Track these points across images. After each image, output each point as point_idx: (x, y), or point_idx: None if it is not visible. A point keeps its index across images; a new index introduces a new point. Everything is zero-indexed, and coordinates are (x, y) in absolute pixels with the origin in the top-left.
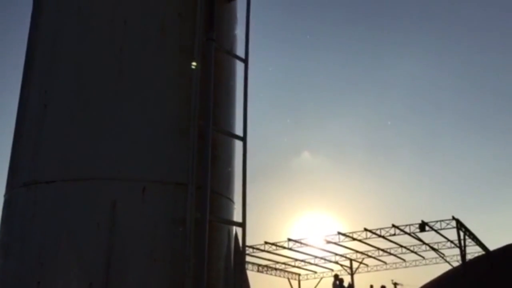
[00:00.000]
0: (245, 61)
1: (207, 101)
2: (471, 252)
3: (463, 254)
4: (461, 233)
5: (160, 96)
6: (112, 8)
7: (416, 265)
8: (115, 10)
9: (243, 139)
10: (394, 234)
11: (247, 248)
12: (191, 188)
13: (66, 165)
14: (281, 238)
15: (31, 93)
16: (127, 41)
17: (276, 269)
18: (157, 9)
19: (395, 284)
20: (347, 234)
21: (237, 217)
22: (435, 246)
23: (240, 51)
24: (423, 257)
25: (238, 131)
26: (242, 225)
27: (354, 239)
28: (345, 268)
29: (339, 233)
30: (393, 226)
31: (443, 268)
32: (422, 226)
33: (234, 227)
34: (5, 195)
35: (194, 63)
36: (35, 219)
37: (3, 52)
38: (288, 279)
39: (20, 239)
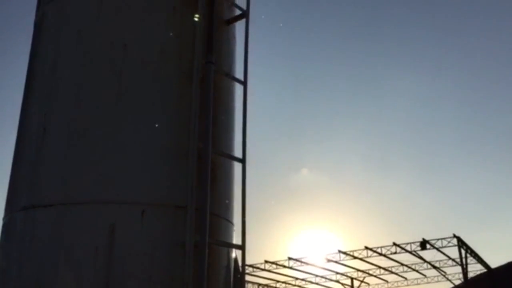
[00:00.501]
0: (244, 83)
1: (206, 123)
2: (473, 270)
3: (465, 272)
4: (463, 251)
5: (160, 119)
6: (112, 31)
7: (417, 284)
8: (115, 33)
9: (243, 161)
10: (395, 252)
11: (247, 268)
12: (190, 211)
13: (64, 189)
14: (281, 256)
15: (30, 116)
16: (126, 64)
17: None
18: (157, 32)
19: None
20: (348, 252)
21: (236, 238)
22: (437, 264)
23: (239, 71)
24: (424, 276)
25: (238, 151)
26: (242, 247)
27: (355, 257)
28: (346, 287)
29: (339, 251)
30: (394, 244)
31: (445, 286)
32: (423, 244)
33: (234, 249)
34: (3, 219)
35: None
36: (33, 243)
37: (3, 74)
38: None
39: (18, 262)
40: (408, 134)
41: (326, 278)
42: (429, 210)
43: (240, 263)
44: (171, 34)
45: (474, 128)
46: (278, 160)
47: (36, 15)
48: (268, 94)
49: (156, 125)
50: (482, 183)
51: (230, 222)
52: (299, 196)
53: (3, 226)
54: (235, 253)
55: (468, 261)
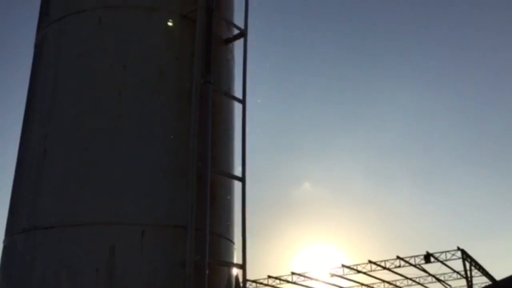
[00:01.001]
0: (243, 102)
1: (205, 143)
2: (478, 283)
3: (469, 285)
4: (467, 264)
5: (159, 139)
6: (112, 53)
7: None
8: (114, 55)
9: (242, 180)
10: (399, 266)
11: (250, 283)
12: (190, 231)
13: (64, 210)
14: (283, 271)
15: (31, 138)
16: (126, 85)
17: None
18: (156, 53)
19: None
20: (352, 266)
21: (237, 256)
22: (441, 278)
23: (238, 89)
24: None
25: (238, 169)
26: (243, 266)
27: (358, 271)
28: None
29: (343, 265)
30: (398, 257)
31: None
32: (427, 258)
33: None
34: (4, 241)
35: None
36: (34, 265)
37: (4, 95)
38: None
39: (19, 284)
40: (409, 146)
41: None
42: (432, 222)
43: (241, 282)
44: (170, 54)
45: (476, 139)
46: (279, 175)
47: (37, 37)
48: (268, 109)
49: (156, 145)
50: (485, 194)
51: (230, 240)
52: (301, 210)
53: (4, 248)
54: (236, 271)
55: (473, 273)
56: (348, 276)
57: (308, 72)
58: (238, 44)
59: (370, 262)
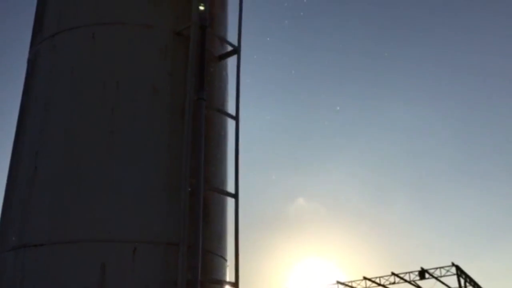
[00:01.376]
0: (236, 118)
1: (198, 159)
2: None
3: None
4: (462, 280)
5: (152, 156)
6: (105, 69)
7: None
8: (107, 71)
9: (235, 196)
10: (394, 282)
11: None
12: (183, 248)
13: (55, 228)
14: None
15: (22, 154)
16: (119, 101)
17: None
18: (149, 69)
19: None
20: (346, 283)
21: (230, 273)
22: None
23: (232, 105)
24: None
25: (231, 185)
26: (236, 284)
27: None
28: None
29: (338, 282)
30: (393, 274)
31: None
32: (422, 274)
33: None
34: None
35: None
36: (23, 283)
37: None
38: None
39: None
40: (404, 162)
41: None
42: (427, 238)
43: None
44: (163, 70)
45: (471, 154)
46: (273, 190)
47: (30, 53)
48: (262, 124)
49: (149, 162)
50: (479, 211)
51: (223, 258)
52: (295, 225)
53: None
54: None
55: None
56: None
57: (302, 87)
58: (232, 60)
59: (365, 278)
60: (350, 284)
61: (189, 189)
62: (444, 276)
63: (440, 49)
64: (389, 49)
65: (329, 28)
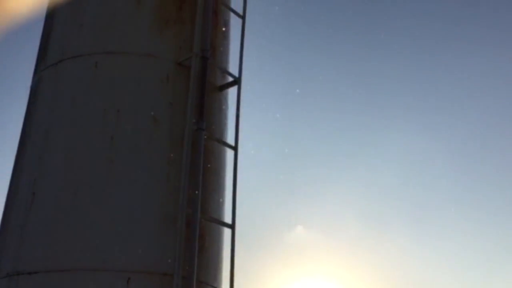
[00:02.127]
0: (235, 148)
1: (196, 189)
2: None
3: None
4: None
5: (150, 185)
6: (106, 98)
7: None
8: (108, 100)
9: (232, 227)
10: None
11: None
12: (177, 279)
13: (49, 255)
14: None
15: (20, 181)
16: (119, 130)
17: None
18: (150, 99)
19: None
20: None
21: None
22: None
23: (231, 134)
24: None
25: (228, 215)
26: None
27: None
28: None
29: None
30: None
31: None
32: None
33: None
34: None
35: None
36: None
37: None
38: None
39: None
40: (404, 191)
41: None
42: (427, 268)
43: None
44: (164, 100)
45: (469, 189)
46: (271, 218)
47: (33, 80)
48: (260, 151)
49: (146, 191)
50: (483, 242)
51: None
52: (294, 254)
53: None
54: None
55: None
56: None
57: (300, 116)
58: (232, 90)
59: None
60: None
61: (186, 219)
62: None
63: (440, 80)
64: (386, 75)
65: (327, 59)
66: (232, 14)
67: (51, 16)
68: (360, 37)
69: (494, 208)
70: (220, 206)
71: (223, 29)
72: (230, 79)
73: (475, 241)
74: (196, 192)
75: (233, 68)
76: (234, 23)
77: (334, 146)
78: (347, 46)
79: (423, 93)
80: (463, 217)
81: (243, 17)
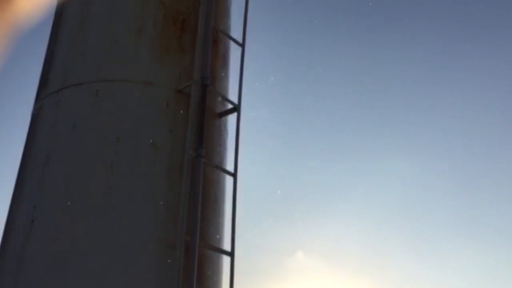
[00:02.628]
0: (234, 175)
1: (194, 216)
2: None
3: None
4: None
5: (149, 212)
6: (106, 125)
7: None
8: (109, 127)
9: (231, 254)
10: None
11: None
12: None
13: (47, 284)
14: None
15: (20, 208)
16: (119, 157)
17: None
18: (150, 126)
19: None
20: None
21: None
22: None
23: (230, 163)
24: None
25: (227, 242)
26: None
27: None
28: None
29: None
30: None
31: None
32: None
33: None
34: None
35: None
36: None
37: None
38: None
39: None
40: (404, 215)
41: None
42: None
43: None
44: (163, 127)
45: (473, 211)
46: (270, 244)
47: (34, 107)
48: (261, 177)
49: (145, 218)
50: (485, 267)
51: None
52: (294, 280)
53: None
54: None
55: None
56: None
57: (299, 137)
58: (232, 117)
59: None
60: None
61: (184, 247)
62: None
63: (443, 100)
64: (388, 96)
65: (326, 87)
66: (232, 43)
67: (53, 42)
68: (367, 66)
69: (500, 231)
70: (219, 233)
71: (223, 56)
72: (230, 106)
73: (477, 267)
74: (195, 219)
75: (232, 95)
76: (234, 50)
77: (333, 171)
78: (351, 76)
79: (427, 115)
80: (467, 239)
81: (242, 45)
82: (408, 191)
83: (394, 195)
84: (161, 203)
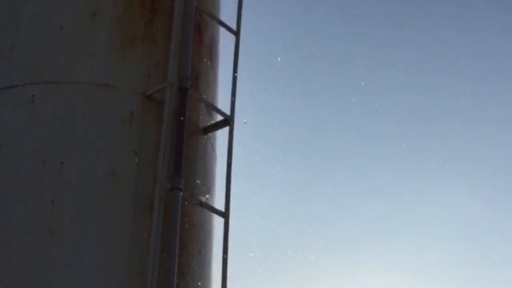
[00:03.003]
0: (225, 215)
1: (169, 274)
2: None
3: None
4: None
5: (104, 268)
6: (46, 146)
7: None
8: (49, 148)
9: None
10: None
11: None
12: None
13: None
14: None
15: None
16: (62, 189)
17: None
18: (106, 145)
19: None
20: None
21: None
22: None
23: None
24: None
25: None
26: None
27: None
28: None
29: None
30: None
31: None
32: None
33: None
34: None
35: None
36: None
37: None
38: None
39: None
40: (454, 270)
41: None
42: None
43: None
44: (126, 150)
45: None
46: None
47: None
48: (262, 212)
49: (100, 272)
50: None
51: None
52: None
53: None
54: None
55: None
56: None
57: (307, 161)
58: (222, 133)
59: None
60: None
61: None
62: None
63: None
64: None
65: (343, 104)
66: (222, 30)
67: None
68: (376, 76)
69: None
70: (206, 278)
71: (209, 49)
72: (220, 117)
73: None
74: (171, 277)
75: (223, 103)
76: (225, 40)
77: (364, 213)
78: (357, 90)
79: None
80: None
81: (237, 33)
82: (468, 234)
83: (442, 246)
84: (122, 255)
